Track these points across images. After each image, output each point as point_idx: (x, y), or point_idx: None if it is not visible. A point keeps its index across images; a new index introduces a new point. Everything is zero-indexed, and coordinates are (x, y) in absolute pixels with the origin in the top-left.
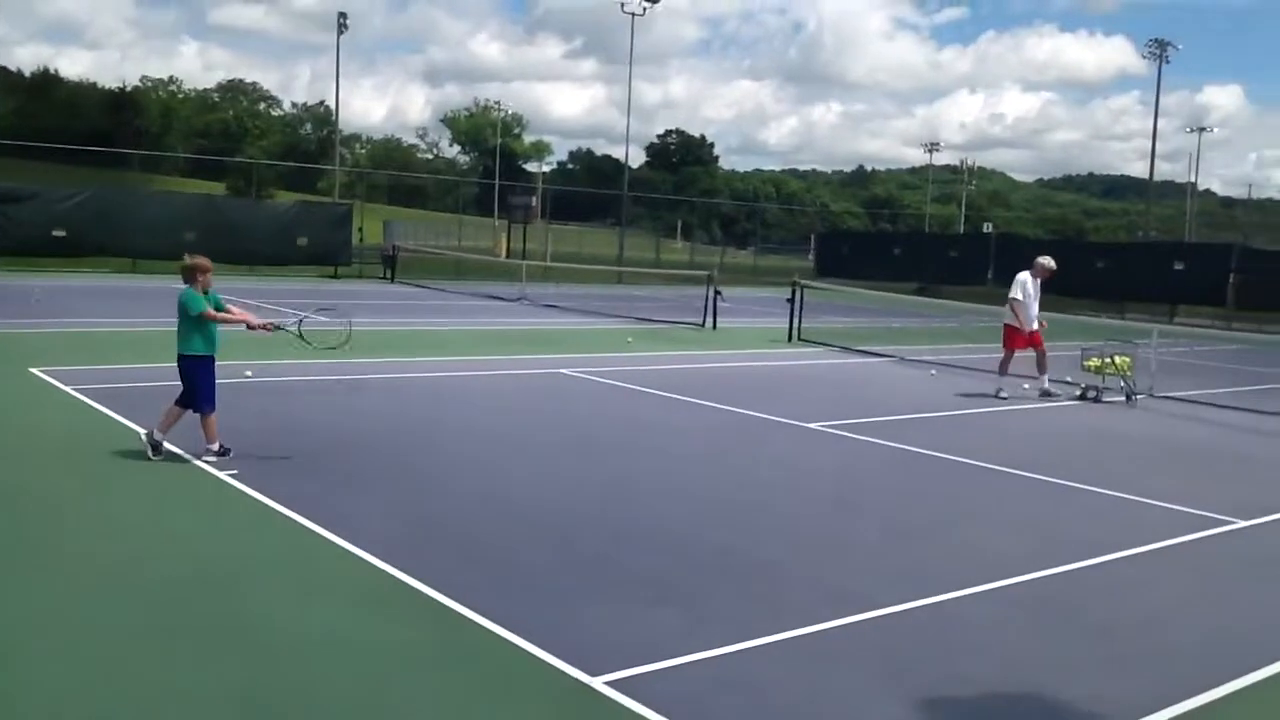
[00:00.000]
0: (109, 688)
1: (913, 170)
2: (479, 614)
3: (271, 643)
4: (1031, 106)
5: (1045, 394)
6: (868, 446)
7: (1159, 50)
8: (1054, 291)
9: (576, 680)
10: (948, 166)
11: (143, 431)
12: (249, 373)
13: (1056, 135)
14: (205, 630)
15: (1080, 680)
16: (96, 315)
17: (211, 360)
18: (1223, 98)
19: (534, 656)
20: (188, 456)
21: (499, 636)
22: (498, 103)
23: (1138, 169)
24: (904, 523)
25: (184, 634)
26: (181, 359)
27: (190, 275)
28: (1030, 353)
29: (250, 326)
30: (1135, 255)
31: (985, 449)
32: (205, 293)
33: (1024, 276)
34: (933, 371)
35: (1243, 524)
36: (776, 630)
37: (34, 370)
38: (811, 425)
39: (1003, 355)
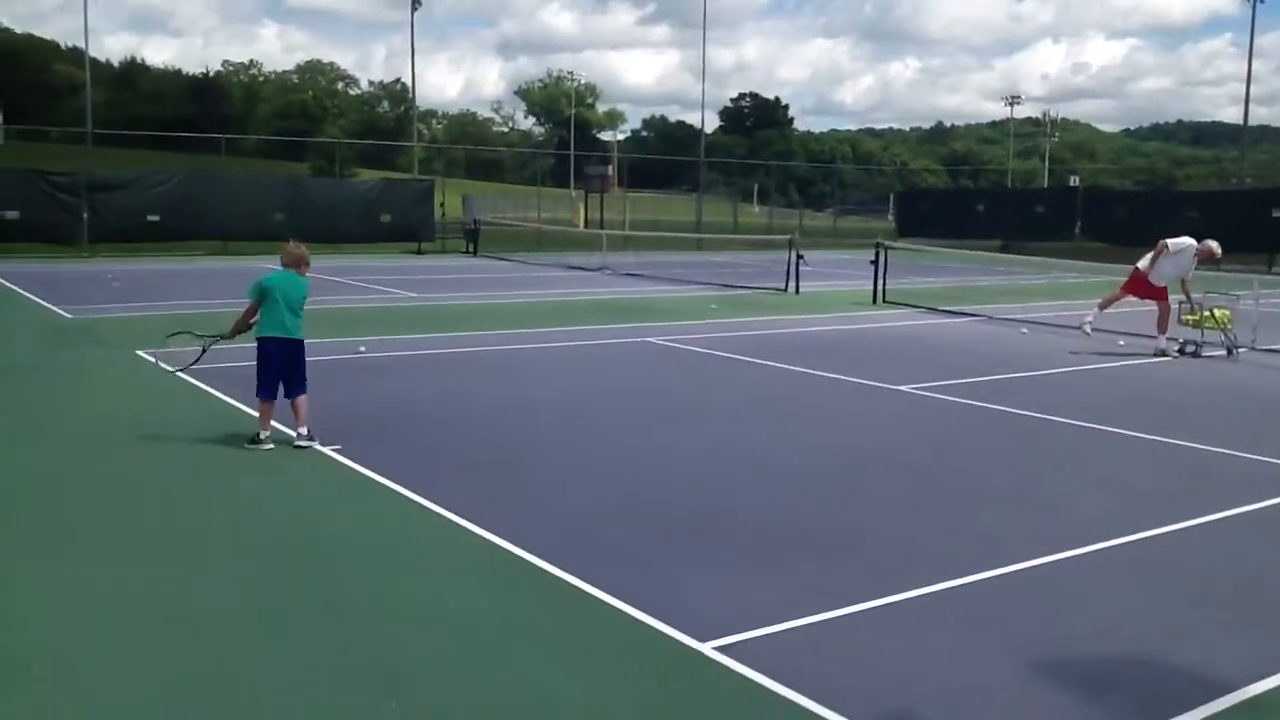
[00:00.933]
0: (217, 664)
1: (993, 124)
2: (585, 581)
3: (384, 614)
4: (1117, 54)
5: (1160, 353)
6: (961, 408)
7: None
8: (1147, 245)
9: (686, 646)
10: (1029, 119)
11: (252, 445)
12: (362, 348)
13: (1143, 83)
14: (318, 603)
15: (1185, 644)
16: (193, 297)
17: None
18: None
19: (643, 623)
20: (288, 430)
21: (607, 604)
22: (570, 73)
23: (1230, 114)
24: (1000, 485)
25: (297, 608)
26: (299, 344)
27: (299, 263)
28: (1152, 307)
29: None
30: (1230, 203)
31: (1081, 407)
32: None
33: (1189, 242)
34: (1024, 330)
35: None
36: (876, 596)
37: (140, 353)
38: (902, 388)
39: (1113, 293)
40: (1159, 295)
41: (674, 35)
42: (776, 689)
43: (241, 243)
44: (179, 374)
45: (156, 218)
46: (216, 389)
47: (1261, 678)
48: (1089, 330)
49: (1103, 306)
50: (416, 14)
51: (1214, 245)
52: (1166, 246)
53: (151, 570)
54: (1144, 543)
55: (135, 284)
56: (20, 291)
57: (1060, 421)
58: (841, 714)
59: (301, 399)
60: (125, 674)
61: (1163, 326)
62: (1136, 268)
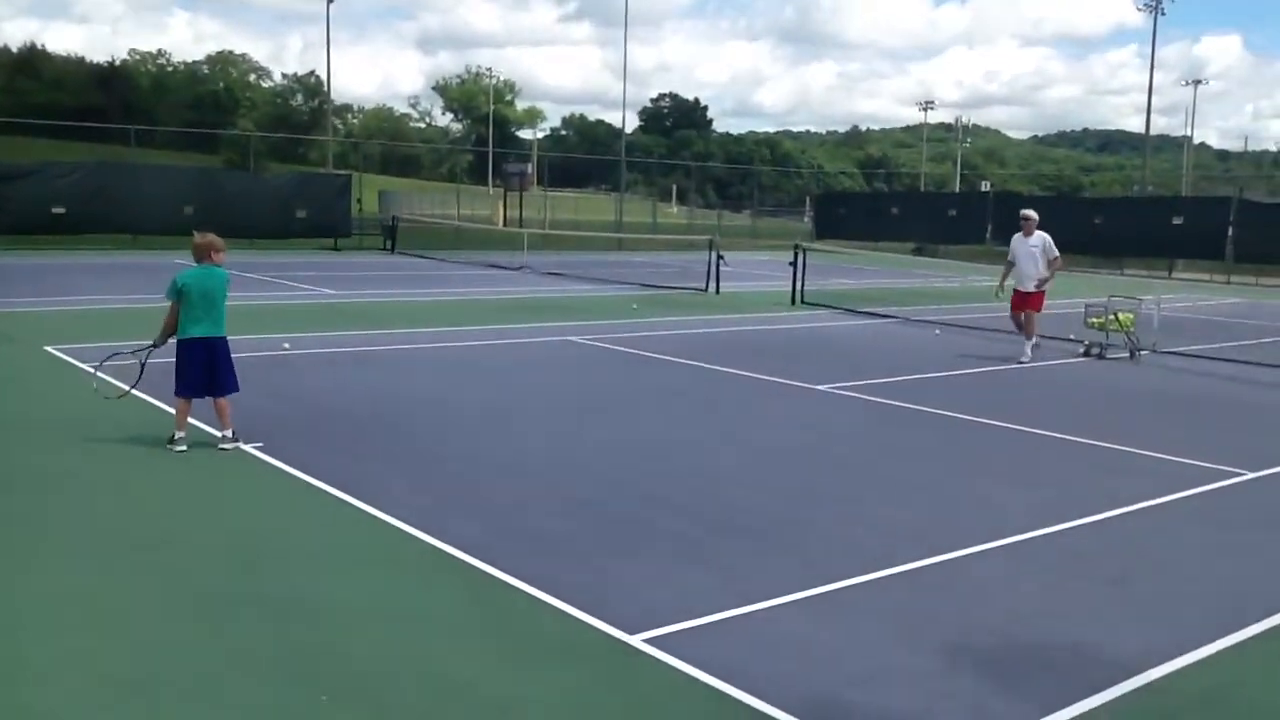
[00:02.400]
0: (147, 659)
1: (907, 129)
2: (513, 577)
3: (308, 611)
4: (1028, 62)
5: (1018, 361)
6: (878, 407)
7: (1155, 2)
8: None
9: (615, 639)
10: (942, 125)
11: (170, 445)
12: (287, 345)
13: (1052, 91)
14: (241, 600)
15: (1097, 630)
16: (102, 292)
17: None
18: (1220, 48)
19: (571, 617)
20: (211, 430)
21: (535, 598)
22: (489, 69)
23: (1133, 124)
24: (918, 481)
25: (220, 605)
26: (222, 341)
27: (208, 253)
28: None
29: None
30: (1133, 210)
31: (994, 407)
32: None
33: (1014, 240)
34: (937, 331)
35: (1250, 475)
36: (802, 588)
37: (48, 349)
38: (821, 387)
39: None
40: (1033, 305)
41: (595, 33)
42: (704, 679)
43: (152, 236)
44: (89, 369)
45: (62, 210)
46: (126, 384)
47: (1169, 659)
48: (1028, 359)
49: (1027, 335)
50: (333, 5)
51: (1021, 213)
52: (1010, 263)
53: (70, 569)
54: (1054, 536)
55: (42, 278)
56: None
57: (973, 420)
58: (767, 701)
59: (225, 400)
60: (53, 673)
61: (1028, 332)
62: (1014, 289)
